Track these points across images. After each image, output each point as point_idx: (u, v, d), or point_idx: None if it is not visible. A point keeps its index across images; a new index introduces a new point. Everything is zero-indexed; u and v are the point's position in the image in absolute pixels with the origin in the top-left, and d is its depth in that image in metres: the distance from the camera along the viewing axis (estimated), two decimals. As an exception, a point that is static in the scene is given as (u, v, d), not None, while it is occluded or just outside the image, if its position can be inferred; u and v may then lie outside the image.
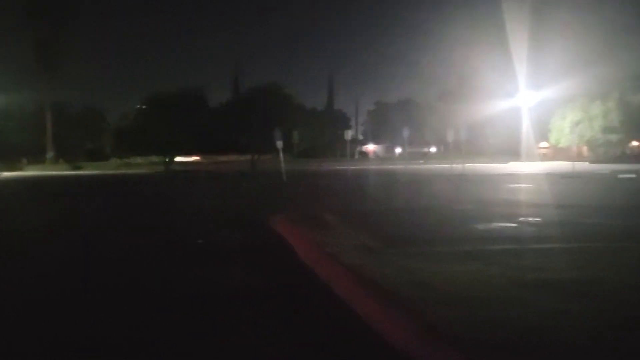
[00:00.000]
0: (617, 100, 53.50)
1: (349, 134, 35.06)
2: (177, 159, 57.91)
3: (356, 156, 73.95)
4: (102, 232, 10.40)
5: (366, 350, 3.79)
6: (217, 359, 3.72)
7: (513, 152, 56.75)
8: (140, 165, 57.42)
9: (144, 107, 55.53)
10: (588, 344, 3.24)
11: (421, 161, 57.31)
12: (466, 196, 15.91)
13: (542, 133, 59.11)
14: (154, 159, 56.00)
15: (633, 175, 25.79)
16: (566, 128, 56.13)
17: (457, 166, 32.37)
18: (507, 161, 52.22)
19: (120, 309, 4.87)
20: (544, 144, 64.97)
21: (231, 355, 3.75)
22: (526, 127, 55.16)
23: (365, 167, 45.52)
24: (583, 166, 39.24)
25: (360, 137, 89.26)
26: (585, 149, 62.41)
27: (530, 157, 54.90)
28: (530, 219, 9.95)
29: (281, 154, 28.01)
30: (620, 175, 25.94)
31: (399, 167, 42.80)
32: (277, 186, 23.53)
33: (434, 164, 50.11)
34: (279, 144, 26.98)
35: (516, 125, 57.65)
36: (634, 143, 63.50)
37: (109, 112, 76.66)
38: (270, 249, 7.86)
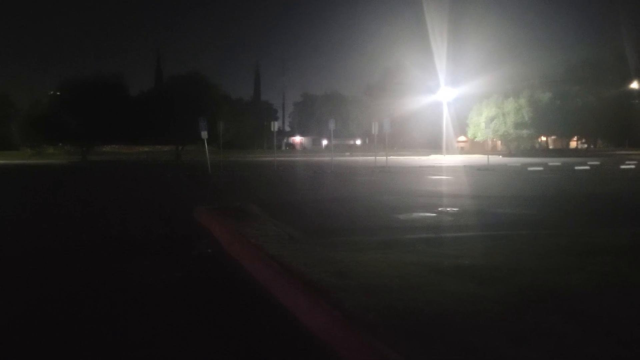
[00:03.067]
0: (528, 97, 56.87)
1: (275, 126, 34.87)
2: (96, 148, 55.28)
3: (283, 148, 73.95)
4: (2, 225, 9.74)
5: (288, 340, 3.79)
6: (129, 358, 3.58)
7: (434, 146, 58.96)
8: (54, 154, 54.28)
9: (58, 93, 52.45)
10: (495, 325, 3.41)
11: (347, 153, 58.20)
12: (389, 187, 16.32)
13: (461, 127, 61.85)
14: (70, 148, 53.18)
15: (541, 168, 27.59)
16: (482, 123, 58.96)
17: (381, 158, 33.16)
18: (428, 154, 54.16)
19: (19, 308, 4.58)
20: (462, 138, 67.98)
21: (143, 352, 3.63)
22: (446, 121, 57.42)
23: (291, 158, 45.62)
24: (497, 159, 41.43)
25: (287, 128, 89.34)
26: (499, 143, 65.95)
27: (450, 151, 57.28)
28: (448, 209, 10.37)
29: (206, 145, 27.45)
30: (530, 168, 27.67)
31: (325, 159, 43.24)
32: (202, 177, 23.05)
33: (359, 156, 51.05)
34: (204, 134, 26.41)
35: (437, 119, 59.90)
36: (543, 138, 67.83)
37: (16, 97, 71.71)
38: (192, 241, 7.68)
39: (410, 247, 6.04)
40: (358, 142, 78.16)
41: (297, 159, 45.83)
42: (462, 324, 3.43)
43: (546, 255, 5.53)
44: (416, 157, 45.88)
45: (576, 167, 27.88)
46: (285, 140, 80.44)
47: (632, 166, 29.00)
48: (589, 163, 31.99)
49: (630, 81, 58.92)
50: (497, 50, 58.19)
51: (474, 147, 63.44)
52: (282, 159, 43.40)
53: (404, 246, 6.15)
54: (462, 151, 62.99)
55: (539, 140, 67.68)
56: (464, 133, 64.37)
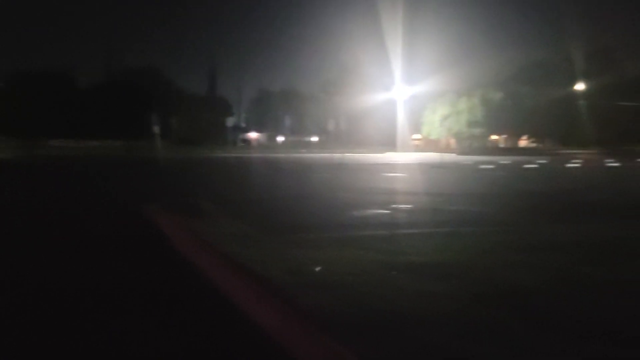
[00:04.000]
0: (481, 97, 58.36)
1: (230, 121, 34.49)
2: (43, 142, 53.22)
3: (238, 144, 73.17)
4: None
5: (241, 339, 3.74)
6: None
7: (389, 143, 59.66)
8: (-3, 149, 51.98)
9: (1, 84, 50.22)
10: (447, 321, 3.47)
11: (303, 150, 58.22)
12: (345, 185, 16.41)
13: (416, 125, 62.87)
14: (17, 142, 51.04)
15: (492, 166, 28.36)
16: (436, 121, 60.22)
17: (337, 155, 33.32)
18: (384, 151, 54.75)
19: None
20: (417, 135, 69.11)
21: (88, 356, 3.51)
22: (401, 119, 58.30)
23: (247, 155, 45.21)
24: (451, 157, 42.35)
25: (243, 124, 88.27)
26: (453, 141, 67.42)
27: (405, 148, 58.17)
28: (402, 206, 10.51)
29: (158, 140, 26.88)
30: (482, 166, 28.39)
31: (281, 155, 43.13)
32: (154, 174, 22.55)
33: (316, 153, 51.14)
34: (156, 129, 25.90)
35: (393, 117, 60.72)
36: (494, 137, 69.79)
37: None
38: (143, 239, 7.49)
39: (365, 244, 6.08)
40: (315, 139, 78.28)
41: (252, 155, 45.48)
42: (415, 321, 3.48)
43: (496, 251, 5.68)
44: (372, 155, 46.32)
45: (525, 166, 28.80)
46: (240, 136, 79.57)
47: (578, 164, 30.22)
48: (537, 161, 33.13)
49: (576, 82, 61.30)
50: (452, 50, 59.70)
51: (428, 145, 64.61)
52: (238, 155, 42.98)
53: (359, 243, 6.19)
54: (417, 149, 64.06)
55: (491, 138, 69.65)
56: (419, 131, 65.51)
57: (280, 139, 76.93)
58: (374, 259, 5.27)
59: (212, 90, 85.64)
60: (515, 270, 4.80)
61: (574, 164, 30.46)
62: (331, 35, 75.24)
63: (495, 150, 61.75)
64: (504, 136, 72.92)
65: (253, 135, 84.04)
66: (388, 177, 19.78)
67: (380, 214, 9.36)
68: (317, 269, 4.88)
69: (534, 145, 74.11)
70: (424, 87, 58.83)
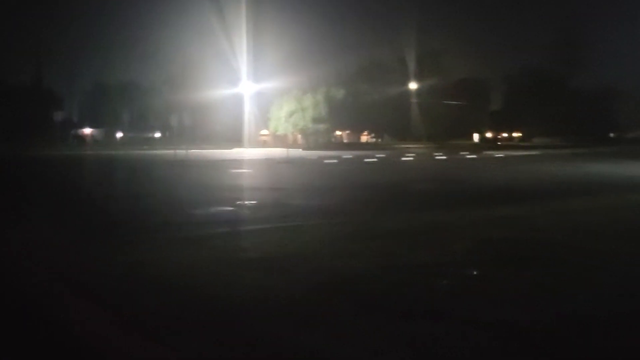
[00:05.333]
0: (324, 94, 60.61)
1: (59, 115, 31.33)
2: None
3: (70, 140, 66.86)
4: None
5: (65, 349, 3.29)
6: None
7: (237, 139, 59.22)
8: None
9: None
10: (283, 312, 3.39)
11: (145, 147, 55.26)
12: (188, 182, 15.83)
13: (264, 121, 63.26)
14: None
15: (336, 161, 29.55)
16: (283, 117, 61.21)
17: (181, 152, 32.14)
18: (231, 147, 54.15)
19: None
20: (264, 131, 69.61)
21: None
22: (248, 115, 58.19)
23: (79, 153, 41.28)
24: (297, 152, 43.29)
25: (75, 119, 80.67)
26: (299, 136, 69.15)
27: (253, 144, 58.22)
28: (246, 202, 10.38)
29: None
30: (326, 161, 29.43)
31: (119, 153, 40.39)
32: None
33: (159, 150, 48.86)
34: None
35: (240, 113, 60.32)
36: (338, 132, 73.09)
37: None
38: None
39: (205, 242, 5.85)
40: (157, 135, 74.70)
41: (86, 153, 41.76)
42: (252, 314, 3.37)
43: (334, 242, 5.80)
44: (218, 151, 45.52)
45: (366, 160, 30.46)
46: (72, 132, 72.64)
47: (411, 158, 32.78)
48: (376, 156, 35.23)
49: (409, 82, 66.60)
50: (297, 48, 61.15)
51: (275, 140, 65.41)
52: (69, 153, 39.28)
53: (199, 242, 5.93)
54: (265, 145, 64.53)
55: (334, 134, 72.81)
56: (267, 127, 66.02)
57: (118, 135, 71.94)
58: (214, 257, 5.07)
59: (39, 82, 77.15)
60: (353, 259, 4.92)
61: (408, 158, 32.98)
62: (174, 28, 72.46)
63: (338, 145, 64.62)
64: (347, 132, 76.76)
65: (87, 131, 77.18)
66: (234, 174, 19.54)
67: (224, 211, 9.13)
68: (152, 271, 4.52)
69: (373, 140, 79.08)
70: (271, 83, 59.44)
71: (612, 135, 71.25)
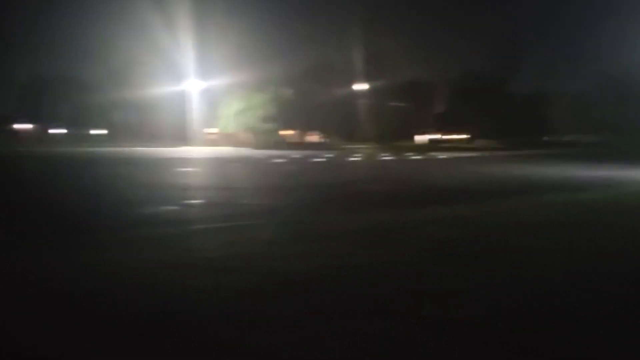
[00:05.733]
0: (273, 92, 60.41)
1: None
2: None
3: (3, 136, 63.34)
4: None
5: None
6: None
7: (185, 137, 58.07)
8: None
9: None
10: (228, 314, 3.42)
11: (86, 143, 53.35)
12: (133, 181, 15.45)
13: (212, 119, 62.34)
14: None
15: (284, 160, 29.55)
16: (231, 115, 60.57)
17: (126, 150, 31.30)
18: (178, 145, 53.10)
19: None
20: (213, 129, 68.63)
21: None
22: (196, 113, 57.23)
23: (12, 149, 38.85)
24: (246, 151, 43.00)
25: (9, 114, 76.28)
26: (248, 135, 68.61)
27: (201, 142, 57.31)
28: (194, 202, 10.28)
29: None
30: (274, 160, 29.39)
31: (60, 150, 38.78)
32: None
33: (101, 147, 47.30)
34: None
35: (187, 110, 59.22)
36: (287, 132, 73.05)
37: None
38: None
39: (148, 244, 5.76)
40: (101, 132, 72.15)
41: (22, 149, 39.63)
42: (193, 317, 3.37)
43: (281, 242, 5.85)
44: (165, 149, 44.51)
45: (314, 159, 30.61)
46: (7, 127, 68.70)
47: (359, 158, 33.19)
48: (325, 155, 35.46)
49: (356, 83, 67.33)
50: (247, 45, 60.28)
51: (224, 139, 64.52)
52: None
53: (144, 243, 5.84)
54: (213, 143, 63.62)
55: (284, 133, 72.71)
56: (215, 125, 65.05)
57: (58, 131, 68.86)
58: (158, 259, 5.01)
59: (-35, 74, 72.63)
60: (300, 259, 4.98)
61: (355, 158, 33.38)
62: (118, 22, 69.93)
63: (287, 145, 64.57)
64: (296, 131, 76.82)
65: (23, 126, 73.25)
66: (181, 172, 19.23)
67: (171, 211, 9.02)
68: (88, 273, 4.43)
69: (322, 140, 79.47)
70: (219, 80, 58.64)
71: (546, 138, 74.61)
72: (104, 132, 68.83)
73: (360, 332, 3.15)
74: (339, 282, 4.25)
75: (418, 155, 36.95)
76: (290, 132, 74.79)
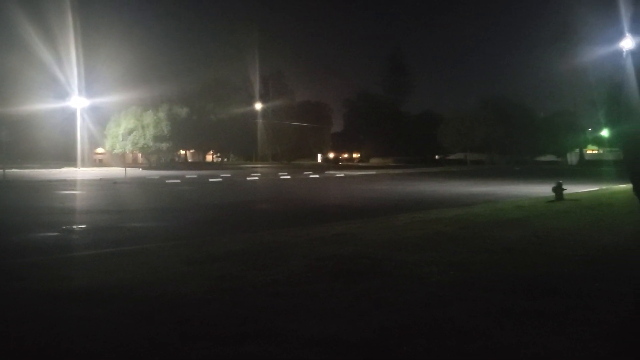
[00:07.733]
0: (167, 111, 58.48)
1: None
2: None
3: None
4: None
5: None
6: None
7: (69, 158, 54.35)
8: None
9: None
10: (103, 347, 3.16)
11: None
12: (5, 206, 14.13)
13: (99, 139, 58.95)
14: None
15: (179, 181, 28.58)
16: (121, 135, 57.76)
17: None
18: (61, 167, 49.59)
19: None
20: (100, 149, 65.00)
21: None
22: (81, 132, 53.75)
23: None
24: (136, 172, 41.09)
25: None
26: (139, 155, 65.76)
27: (87, 163, 54.03)
28: (75, 227, 9.58)
29: None
30: (168, 181, 28.32)
31: None
32: None
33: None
34: None
35: (71, 130, 55.45)
36: (182, 151, 71.03)
37: None
38: None
39: (18, 274, 5.21)
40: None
41: None
42: (67, 350, 3.07)
43: (168, 266, 5.56)
44: (46, 170, 41.34)
45: (210, 179, 29.93)
46: None
47: (256, 178, 32.98)
48: (221, 175, 34.84)
49: (254, 102, 67.28)
50: (137, 62, 57.97)
51: (113, 159, 61.25)
52: None
53: (11, 273, 5.27)
54: (101, 164, 60.23)
55: (179, 153, 70.57)
56: (103, 145, 61.68)
57: None
58: (28, 289, 4.54)
59: None
60: (185, 284, 4.75)
61: (253, 177, 33.14)
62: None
63: (182, 164, 62.81)
64: (191, 151, 74.94)
65: None
66: (63, 195, 17.91)
67: (47, 237, 8.32)
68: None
69: (219, 160, 78.25)
70: (107, 98, 55.64)
71: (437, 157, 79.25)
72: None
73: (250, 355, 3.04)
74: (227, 305, 4.10)
75: (316, 174, 37.49)
76: (187, 151, 72.92)
